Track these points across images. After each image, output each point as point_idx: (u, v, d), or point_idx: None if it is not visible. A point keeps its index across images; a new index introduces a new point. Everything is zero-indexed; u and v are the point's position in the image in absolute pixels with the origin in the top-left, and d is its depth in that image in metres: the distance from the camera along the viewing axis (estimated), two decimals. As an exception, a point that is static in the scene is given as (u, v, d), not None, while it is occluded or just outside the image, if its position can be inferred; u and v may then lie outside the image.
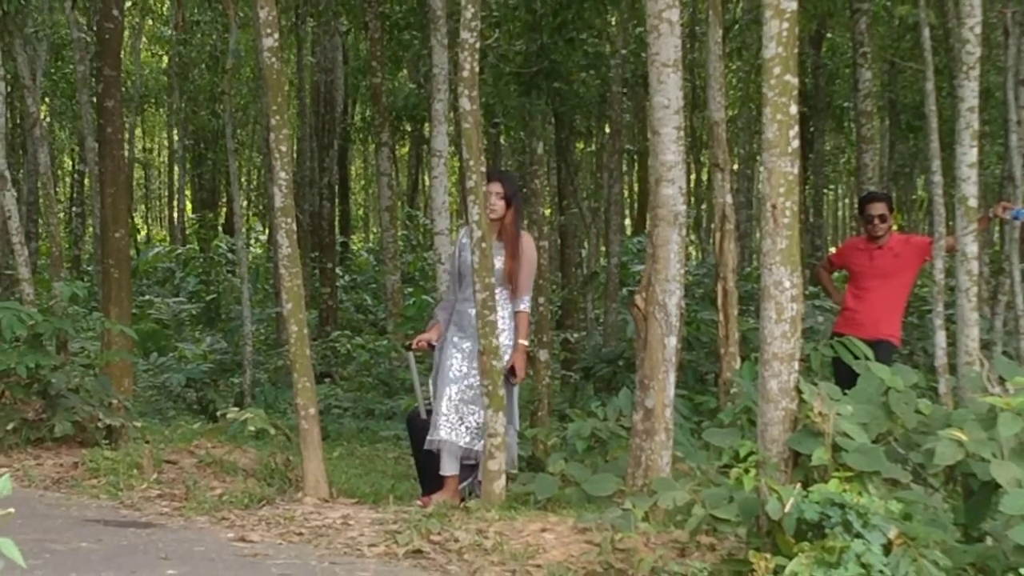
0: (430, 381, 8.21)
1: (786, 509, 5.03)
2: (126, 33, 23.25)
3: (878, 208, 9.89)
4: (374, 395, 17.44)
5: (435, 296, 14.03)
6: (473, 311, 7.53)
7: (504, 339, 7.77)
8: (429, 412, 8.12)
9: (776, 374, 5.67)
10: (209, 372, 18.43)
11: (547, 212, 19.10)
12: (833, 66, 22.47)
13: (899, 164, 24.51)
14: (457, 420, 7.82)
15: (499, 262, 7.81)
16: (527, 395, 12.31)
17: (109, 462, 8.44)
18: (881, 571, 4.74)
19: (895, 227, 10.75)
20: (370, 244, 37.64)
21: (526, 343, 8.10)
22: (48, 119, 27.82)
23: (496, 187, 7.90)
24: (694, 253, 26.90)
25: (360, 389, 17.96)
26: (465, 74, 7.36)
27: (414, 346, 8.38)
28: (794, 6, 5.72)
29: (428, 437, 7.86)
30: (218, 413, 11.90)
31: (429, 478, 8.06)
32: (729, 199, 8.88)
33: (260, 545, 6.45)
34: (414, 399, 8.86)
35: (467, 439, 7.79)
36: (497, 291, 7.68)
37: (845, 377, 7.18)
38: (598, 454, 7.91)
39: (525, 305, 7.97)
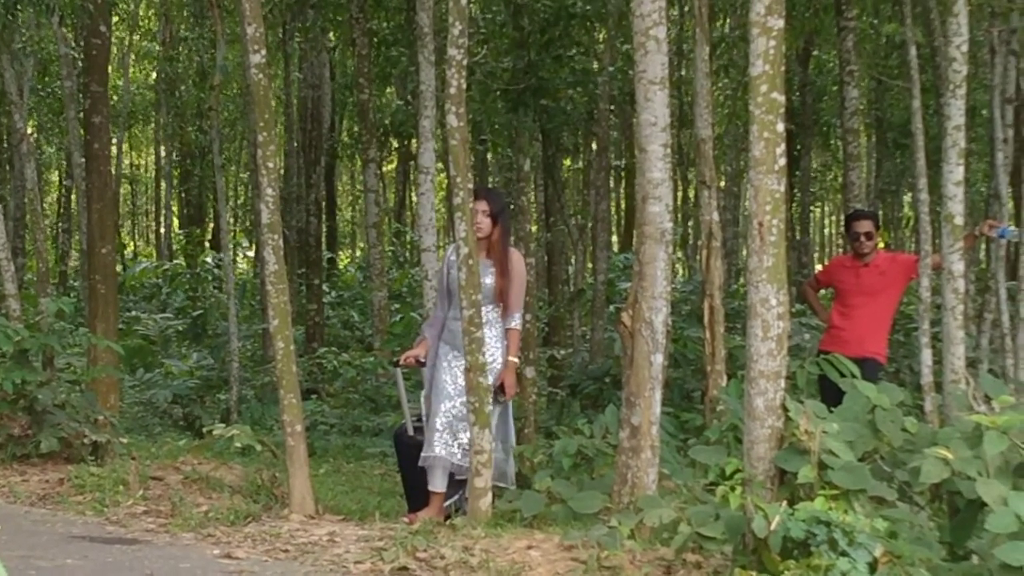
0: (421, 398, 8.21)
1: (772, 527, 5.03)
2: (113, 49, 23.26)
3: (864, 226, 9.92)
4: (360, 412, 17.40)
5: (422, 313, 14.01)
6: (463, 328, 7.53)
7: (497, 356, 7.79)
8: (416, 428, 8.12)
9: (762, 392, 5.68)
10: (195, 388, 18.38)
11: (534, 229, 19.12)
12: (820, 84, 22.52)
13: (885, 182, 24.56)
14: (451, 437, 7.81)
15: (489, 280, 7.80)
16: (514, 412, 12.31)
17: (95, 478, 8.43)
18: (867, 589, 4.75)
19: (881, 245, 10.76)
20: (357, 260, 37.59)
21: (517, 360, 8.11)
22: (35, 135, 27.78)
23: (482, 205, 7.87)
24: (681, 270, 26.89)
25: (347, 406, 17.91)
26: (452, 91, 7.37)
27: (402, 362, 8.37)
28: (781, 24, 5.74)
29: (423, 454, 7.85)
30: (204, 429, 11.86)
31: (416, 495, 8.06)
32: (716, 216, 8.89)
33: (246, 562, 6.43)
34: (401, 416, 8.85)
35: (459, 455, 7.78)
36: (488, 308, 7.69)
37: (831, 395, 7.18)
38: (584, 471, 7.89)
39: (516, 322, 7.97)
